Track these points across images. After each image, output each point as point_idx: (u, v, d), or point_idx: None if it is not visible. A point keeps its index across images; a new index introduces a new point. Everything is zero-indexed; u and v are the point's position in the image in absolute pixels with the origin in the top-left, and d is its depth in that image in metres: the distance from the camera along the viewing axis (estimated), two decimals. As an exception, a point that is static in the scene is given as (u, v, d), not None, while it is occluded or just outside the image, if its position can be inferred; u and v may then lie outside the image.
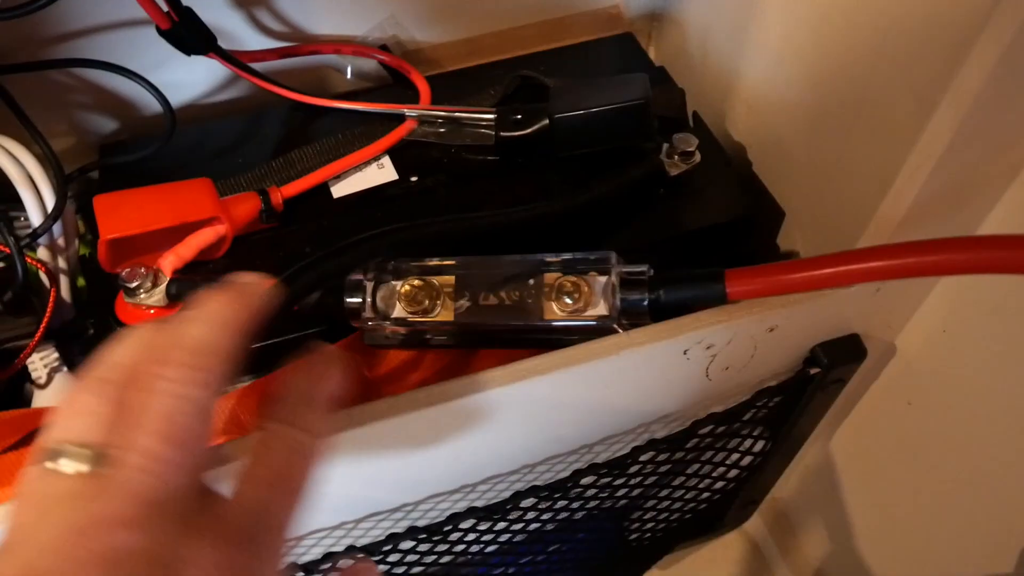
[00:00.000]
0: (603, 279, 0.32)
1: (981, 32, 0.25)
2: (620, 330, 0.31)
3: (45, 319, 0.39)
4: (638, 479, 0.37)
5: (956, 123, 0.27)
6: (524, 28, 0.54)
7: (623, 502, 0.39)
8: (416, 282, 0.33)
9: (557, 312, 0.32)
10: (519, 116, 0.45)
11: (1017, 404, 0.35)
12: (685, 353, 0.32)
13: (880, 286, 0.33)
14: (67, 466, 0.19)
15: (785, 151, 0.44)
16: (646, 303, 0.31)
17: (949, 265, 0.25)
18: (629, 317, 0.31)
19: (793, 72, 0.42)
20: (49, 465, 0.19)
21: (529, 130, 0.44)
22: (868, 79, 0.35)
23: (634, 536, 0.46)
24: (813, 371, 0.36)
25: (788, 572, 0.56)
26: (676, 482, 0.40)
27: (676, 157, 0.43)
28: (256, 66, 0.46)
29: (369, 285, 0.33)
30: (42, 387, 0.41)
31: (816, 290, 0.31)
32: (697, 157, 0.43)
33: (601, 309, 0.32)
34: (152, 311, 0.38)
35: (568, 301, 0.31)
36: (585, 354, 0.30)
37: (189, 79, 0.49)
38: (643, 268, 0.32)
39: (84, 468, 0.18)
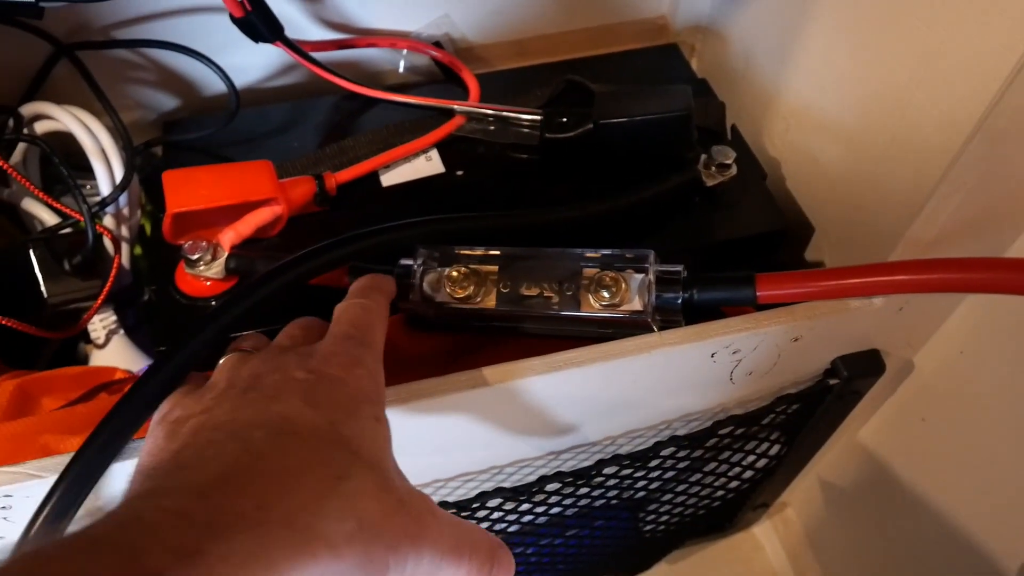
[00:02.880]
0: (639, 276, 0.34)
1: (1019, 71, 0.27)
2: (654, 326, 0.33)
3: (108, 283, 0.42)
4: (657, 473, 0.39)
5: (988, 153, 0.29)
6: (573, 33, 0.56)
7: (640, 494, 0.41)
8: (463, 269, 0.35)
9: (594, 305, 0.34)
10: (565, 119, 0.47)
11: (1028, 427, 0.37)
12: (712, 356, 0.33)
13: (904, 304, 0.34)
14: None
15: (819, 169, 0.46)
16: (680, 301, 0.33)
17: (973, 283, 0.26)
18: (663, 314, 0.33)
19: (832, 94, 0.43)
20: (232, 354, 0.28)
21: (574, 133, 0.46)
22: (904, 107, 0.37)
23: (648, 528, 0.47)
24: (832, 382, 0.37)
25: (792, 574, 0.58)
26: (693, 479, 0.42)
27: (713, 168, 0.44)
28: (315, 55, 0.49)
29: (419, 270, 0.35)
30: (100, 347, 0.44)
31: (843, 298, 0.33)
32: (734, 170, 0.44)
33: (636, 305, 0.33)
34: (209, 283, 0.40)
35: (605, 295, 0.33)
36: (620, 350, 0.31)
37: (250, 63, 0.51)
38: (678, 268, 0.34)
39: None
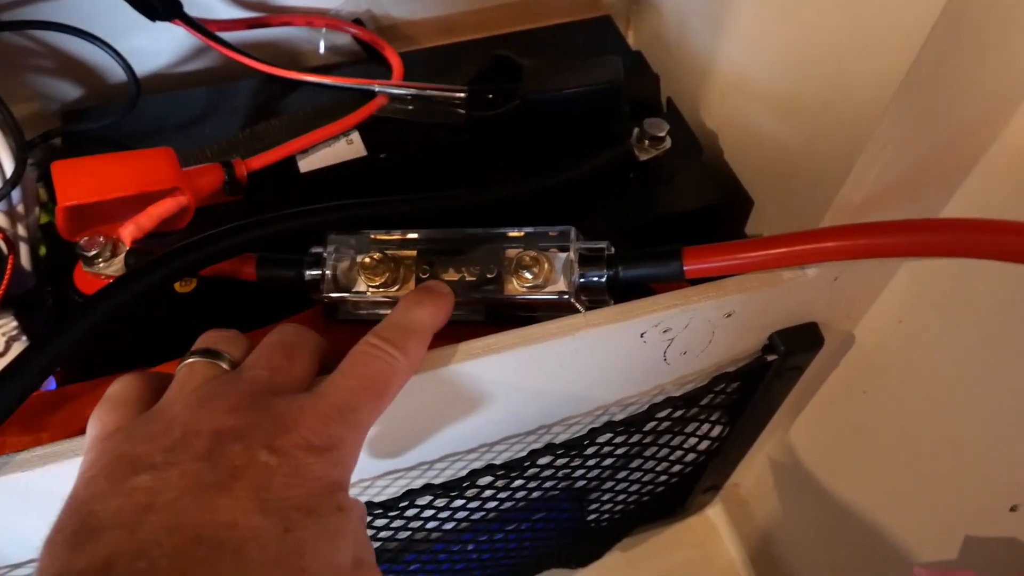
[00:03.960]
0: (563, 255, 0.32)
1: (931, 28, 0.25)
2: (579, 306, 0.31)
3: (2, 286, 0.39)
4: (595, 460, 0.38)
5: (912, 106, 0.27)
6: (502, 7, 0.54)
7: (582, 483, 0.40)
8: (377, 255, 0.33)
9: (517, 287, 0.32)
10: (491, 96, 0.45)
11: (970, 394, 0.36)
12: (642, 336, 0.32)
13: (839, 274, 0.33)
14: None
15: (755, 139, 0.44)
16: (604, 279, 0.31)
17: (899, 247, 0.25)
18: (588, 294, 0.31)
19: (764, 62, 0.42)
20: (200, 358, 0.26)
21: (501, 110, 0.44)
22: (834, 69, 0.35)
23: (593, 518, 0.46)
24: (770, 358, 0.36)
25: (747, 556, 0.57)
26: (634, 465, 0.41)
27: (646, 142, 0.43)
28: (225, 36, 0.46)
29: (329, 258, 0.33)
30: (0, 355, 0.41)
31: (775, 269, 0.31)
32: (668, 143, 0.43)
33: (561, 285, 0.32)
34: (104, 279, 0.37)
35: (528, 276, 0.31)
36: (541, 334, 0.30)
37: (155, 47, 0.48)
38: (602, 245, 0.32)
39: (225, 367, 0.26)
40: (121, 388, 0.26)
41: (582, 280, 0.31)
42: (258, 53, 0.47)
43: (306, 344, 0.28)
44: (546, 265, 0.32)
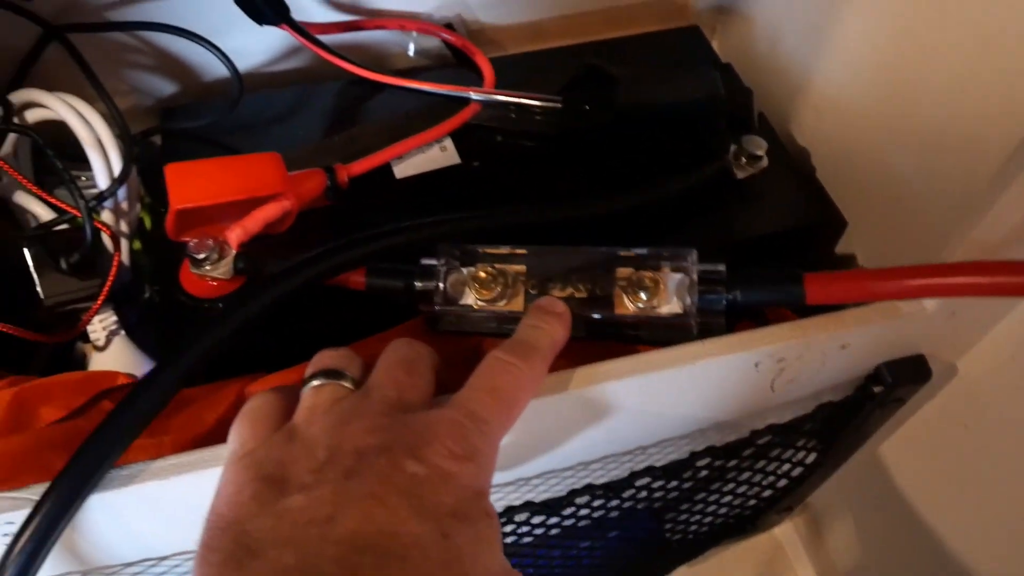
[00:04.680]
0: (678, 276, 0.32)
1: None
2: (694, 328, 0.31)
3: (108, 282, 0.39)
4: (690, 483, 0.38)
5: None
6: (589, 14, 0.53)
7: (669, 503, 0.40)
8: (490, 270, 0.33)
9: (629, 307, 0.32)
10: (586, 106, 0.45)
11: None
12: (756, 365, 0.31)
13: (957, 309, 0.32)
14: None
15: (854, 161, 0.43)
16: (723, 303, 0.31)
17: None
18: (704, 316, 0.31)
19: (871, 82, 0.41)
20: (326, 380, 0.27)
21: (596, 121, 0.44)
22: (957, 97, 0.35)
23: (670, 535, 0.46)
24: (876, 389, 0.36)
25: (815, 576, 0.57)
26: (725, 488, 0.41)
27: (744, 160, 0.42)
28: (321, 38, 0.46)
29: (442, 270, 0.33)
30: (100, 349, 0.42)
31: (899, 300, 0.31)
32: (765, 162, 0.42)
33: (675, 306, 0.31)
34: (215, 283, 0.38)
35: (643, 296, 0.31)
36: (661, 361, 0.29)
37: (251, 46, 0.49)
38: (720, 267, 0.32)
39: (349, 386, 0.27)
40: (257, 405, 0.27)
41: (700, 303, 0.31)
42: (347, 54, 0.48)
43: (423, 359, 0.29)
44: (661, 285, 0.31)
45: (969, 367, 0.37)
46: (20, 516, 0.25)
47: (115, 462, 0.26)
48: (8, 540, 0.26)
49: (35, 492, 0.26)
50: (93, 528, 0.28)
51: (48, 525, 0.25)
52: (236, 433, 0.25)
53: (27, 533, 0.25)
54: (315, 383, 0.27)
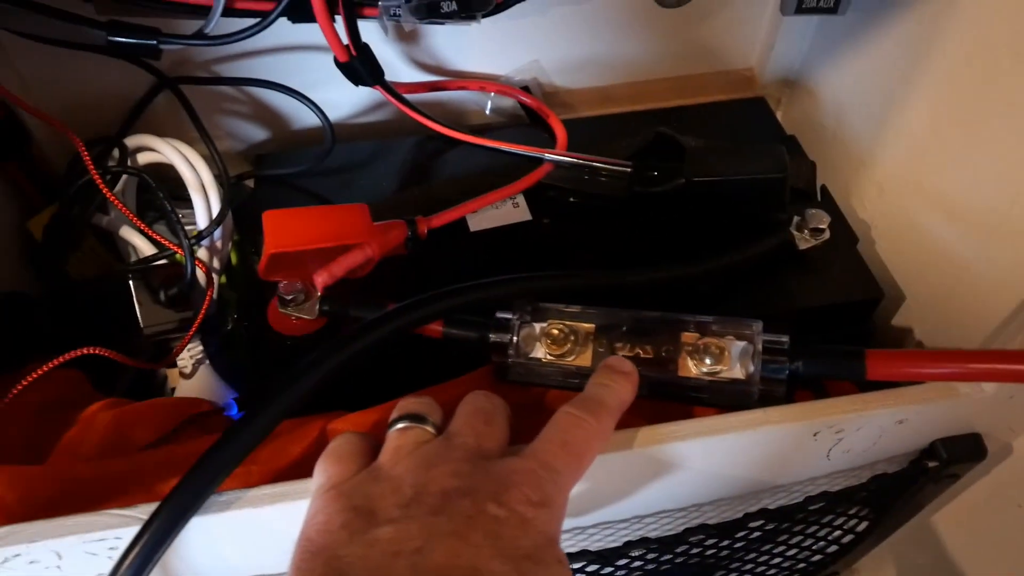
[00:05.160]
0: (742, 344, 0.33)
1: None
2: (754, 394, 0.33)
3: (201, 314, 0.42)
4: (741, 543, 0.38)
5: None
6: (659, 82, 0.56)
7: (716, 560, 0.41)
8: (560, 326, 0.35)
9: (693, 370, 0.33)
10: (655, 173, 0.47)
11: None
12: (815, 435, 0.33)
13: (1015, 392, 0.33)
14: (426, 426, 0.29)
15: (915, 238, 0.44)
16: (786, 373, 0.32)
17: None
18: (766, 384, 0.32)
19: (936, 164, 0.42)
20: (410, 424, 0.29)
21: (664, 188, 0.46)
22: (1021, 185, 0.36)
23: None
24: (931, 464, 0.36)
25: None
26: (775, 550, 0.41)
27: (806, 232, 0.44)
28: (407, 96, 0.49)
29: (516, 324, 0.35)
30: (187, 376, 0.44)
31: (957, 382, 0.32)
32: (827, 234, 0.44)
33: (737, 372, 0.33)
34: (299, 322, 0.41)
35: (707, 361, 0.33)
36: (725, 426, 0.31)
37: (339, 100, 0.52)
38: (784, 339, 0.33)
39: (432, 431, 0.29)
40: (343, 443, 0.29)
41: (764, 371, 0.32)
42: (427, 110, 0.51)
43: (499, 410, 0.30)
44: (726, 352, 0.33)
45: (1025, 448, 0.38)
46: (128, 533, 0.28)
47: (218, 488, 0.28)
48: (114, 554, 0.28)
49: (143, 511, 0.28)
50: (187, 548, 0.30)
51: (155, 542, 0.27)
52: (322, 469, 0.28)
53: (136, 549, 0.27)
54: (400, 425, 0.29)
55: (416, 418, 0.29)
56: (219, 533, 0.30)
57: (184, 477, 0.28)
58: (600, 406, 0.29)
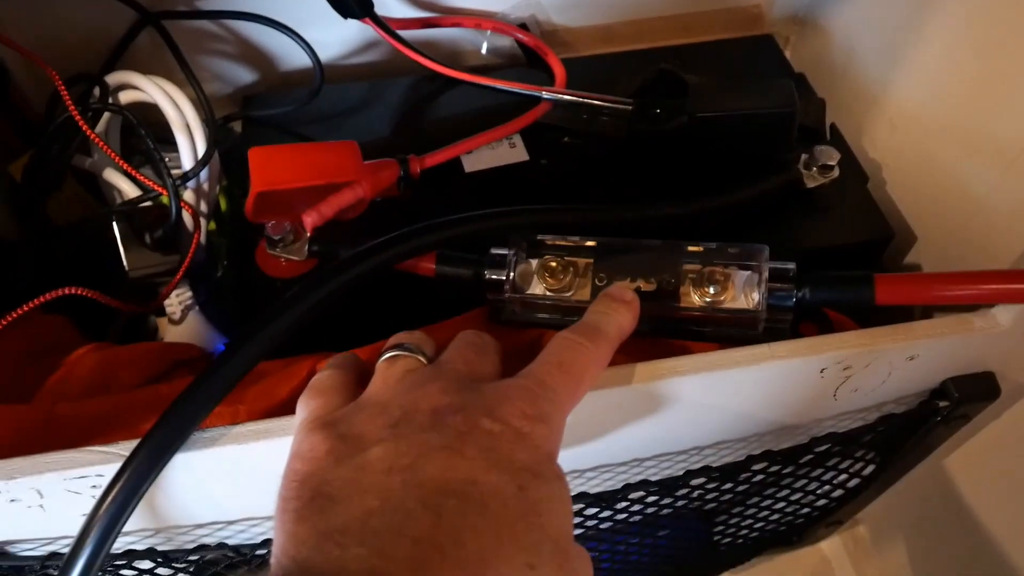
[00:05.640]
0: (745, 273, 0.32)
1: None
2: (760, 325, 0.31)
3: (188, 258, 0.41)
4: (744, 486, 0.38)
5: None
6: (662, 19, 0.54)
7: (723, 506, 0.40)
8: (560, 259, 0.34)
9: (696, 300, 0.32)
10: (657, 110, 0.45)
11: None
12: (822, 372, 0.31)
13: (1032, 326, 0.32)
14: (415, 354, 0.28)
15: (928, 176, 0.43)
16: (792, 301, 0.31)
17: None
18: (772, 313, 0.31)
19: (952, 98, 0.40)
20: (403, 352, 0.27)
21: (666, 126, 0.44)
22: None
23: (718, 539, 0.46)
24: (941, 404, 0.35)
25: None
26: (779, 494, 0.40)
27: (815, 170, 0.42)
28: (400, 33, 0.47)
29: (512, 260, 0.34)
30: (176, 322, 0.43)
31: (971, 304, 0.31)
32: (836, 172, 0.42)
33: (742, 303, 0.32)
34: (288, 264, 0.39)
35: (711, 290, 0.31)
36: (728, 361, 0.30)
37: (331, 39, 0.50)
38: (791, 265, 0.32)
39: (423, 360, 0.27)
40: (326, 377, 0.28)
41: (770, 299, 0.31)
42: (421, 50, 0.49)
43: (490, 344, 0.29)
44: (730, 281, 0.32)
45: (1040, 388, 0.37)
46: (110, 470, 0.27)
47: (200, 424, 0.27)
48: (96, 493, 0.27)
49: (125, 448, 0.27)
50: (174, 487, 0.29)
51: (138, 480, 0.26)
52: (304, 403, 0.26)
53: (118, 486, 0.26)
54: (389, 355, 0.28)
55: (406, 348, 0.28)
56: (205, 471, 0.29)
57: (166, 412, 0.27)
58: (598, 332, 0.28)
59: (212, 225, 0.48)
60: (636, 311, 0.30)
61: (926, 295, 0.30)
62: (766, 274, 0.31)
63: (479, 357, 0.28)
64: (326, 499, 0.21)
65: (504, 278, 0.34)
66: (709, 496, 0.37)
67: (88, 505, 0.27)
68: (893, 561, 0.53)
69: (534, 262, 0.34)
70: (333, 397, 0.27)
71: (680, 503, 0.37)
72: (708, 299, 0.32)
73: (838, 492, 0.41)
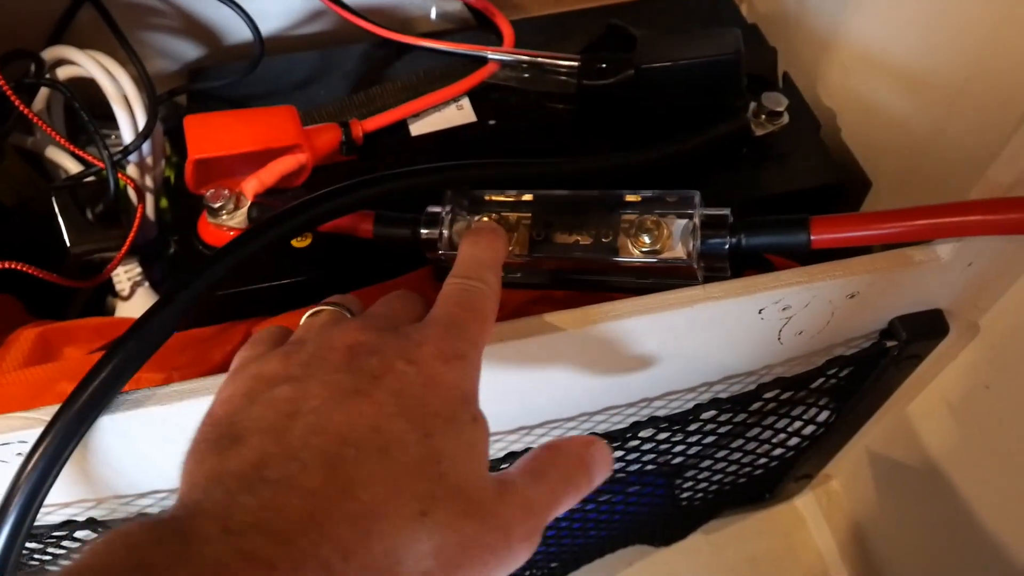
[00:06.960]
0: (683, 222, 0.31)
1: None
2: (698, 274, 0.31)
3: (132, 233, 0.41)
4: (696, 437, 0.37)
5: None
6: (613, -24, 0.53)
7: (678, 460, 0.39)
8: (494, 216, 0.33)
9: (633, 252, 0.32)
10: (604, 65, 0.44)
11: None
12: (760, 313, 0.31)
13: (973, 259, 0.31)
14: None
15: (879, 119, 0.42)
16: (727, 247, 0.30)
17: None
18: (707, 260, 0.31)
19: (899, 38, 0.40)
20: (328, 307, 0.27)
21: (613, 79, 0.43)
22: (985, 48, 0.33)
23: (684, 496, 0.46)
24: (889, 344, 0.35)
25: (836, 549, 0.56)
26: (734, 445, 0.40)
27: (763, 117, 0.41)
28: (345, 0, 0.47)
29: (447, 218, 0.33)
30: (125, 299, 0.43)
31: (906, 242, 0.30)
32: (785, 118, 0.41)
33: (679, 252, 0.31)
34: (232, 232, 0.39)
35: (646, 240, 0.31)
36: (659, 304, 0.29)
37: (276, 9, 0.50)
38: (725, 211, 0.31)
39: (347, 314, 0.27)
40: (260, 333, 0.27)
41: (703, 246, 0.30)
42: (370, 17, 0.48)
43: (416, 300, 0.29)
44: (665, 230, 0.31)
45: (991, 325, 0.36)
46: (32, 435, 0.26)
47: (123, 386, 0.27)
48: (22, 459, 0.27)
49: (47, 413, 0.27)
50: (106, 452, 0.29)
51: (59, 443, 0.26)
52: (237, 357, 0.26)
53: (40, 451, 0.26)
54: (314, 309, 0.27)
55: (332, 303, 0.28)
56: (135, 434, 0.29)
57: (88, 374, 0.26)
58: (478, 265, 0.28)
59: (164, 203, 0.47)
60: (503, 235, 0.30)
61: (863, 234, 0.29)
62: (698, 220, 0.31)
63: (404, 306, 0.27)
64: (231, 439, 0.21)
65: (437, 236, 0.33)
66: (662, 447, 0.37)
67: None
68: (866, 515, 0.52)
69: (471, 219, 0.34)
70: (262, 348, 0.26)
71: (632, 456, 0.37)
72: (645, 249, 0.31)
73: (795, 440, 0.41)
